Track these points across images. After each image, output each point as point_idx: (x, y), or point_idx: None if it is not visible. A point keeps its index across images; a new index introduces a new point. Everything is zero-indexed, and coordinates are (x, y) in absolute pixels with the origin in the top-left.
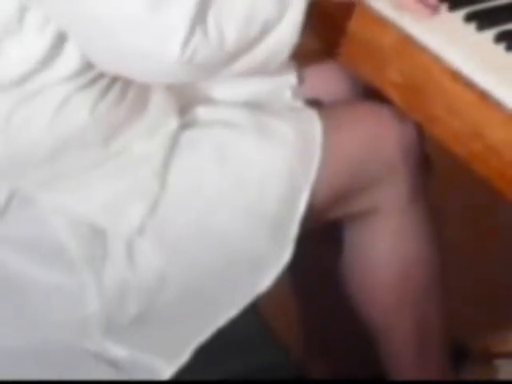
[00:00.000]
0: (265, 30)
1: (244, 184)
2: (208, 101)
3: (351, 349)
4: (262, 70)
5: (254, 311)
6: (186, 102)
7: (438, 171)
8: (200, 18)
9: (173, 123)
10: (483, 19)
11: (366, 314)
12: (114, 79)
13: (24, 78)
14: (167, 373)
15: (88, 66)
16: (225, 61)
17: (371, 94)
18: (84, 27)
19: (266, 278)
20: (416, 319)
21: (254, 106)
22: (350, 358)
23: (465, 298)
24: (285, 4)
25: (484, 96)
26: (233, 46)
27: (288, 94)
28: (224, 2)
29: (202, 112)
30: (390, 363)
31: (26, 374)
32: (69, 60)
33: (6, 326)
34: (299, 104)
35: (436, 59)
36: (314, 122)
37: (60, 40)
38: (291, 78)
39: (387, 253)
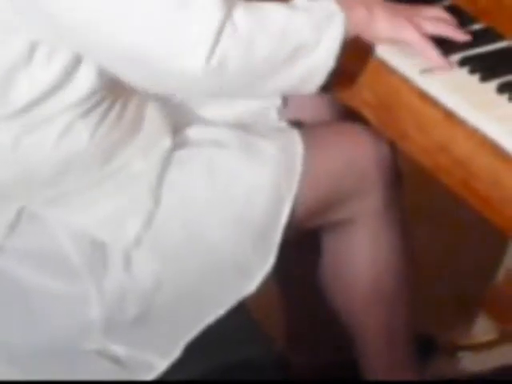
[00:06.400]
0: (298, 54)
1: (231, 197)
2: (198, 121)
3: (332, 342)
4: (293, 93)
5: (241, 308)
6: (178, 123)
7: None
8: (230, 17)
9: (166, 142)
10: (447, 45)
11: (343, 314)
12: (113, 102)
13: (31, 107)
14: (161, 367)
15: (92, 93)
16: (253, 73)
17: (349, 116)
18: (109, 57)
19: (251, 283)
20: (386, 319)
21: (242, 126)
22: (330, 350)
23: (433, 297)
24: (322, 32)
25: (449, 114)
26: (262, 57)
27: (274, 114)
28: (260, 14)
29: (192, 132)
30: (362, 362)
31: (28, 368)
32: (74, 89)
33: (14, 328)
34: (283, 124)
35: (405, 82)
36: (296, 141)
37: (66, 71)
38: (276, 100)
39: (362, 258)
